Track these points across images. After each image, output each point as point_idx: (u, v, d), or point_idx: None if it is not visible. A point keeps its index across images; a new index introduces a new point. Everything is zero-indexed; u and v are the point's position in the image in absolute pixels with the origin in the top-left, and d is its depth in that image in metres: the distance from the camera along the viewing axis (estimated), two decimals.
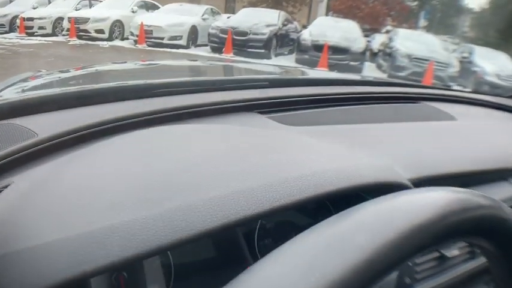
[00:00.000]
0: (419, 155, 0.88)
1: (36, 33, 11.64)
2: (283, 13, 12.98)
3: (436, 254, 0.77)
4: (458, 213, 0.35)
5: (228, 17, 12.67)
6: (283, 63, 9.39)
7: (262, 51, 10.75)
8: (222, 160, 0.65)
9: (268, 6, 17.47)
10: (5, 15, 12.21)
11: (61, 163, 0.64)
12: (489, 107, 1.39)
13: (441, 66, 9.88)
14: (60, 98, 0.84)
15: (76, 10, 12.61)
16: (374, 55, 12.02)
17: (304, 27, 13.04)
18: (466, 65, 10.86)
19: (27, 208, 0.52)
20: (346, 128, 0.96)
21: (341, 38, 10.43)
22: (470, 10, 34.07)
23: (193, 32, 11.76)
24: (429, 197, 0.37)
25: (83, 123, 0.72)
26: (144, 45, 11.00)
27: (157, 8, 13.31)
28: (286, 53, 12.07)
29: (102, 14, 11.83)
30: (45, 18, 12.02)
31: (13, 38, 11.02)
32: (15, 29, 11.87)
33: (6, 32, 11.81)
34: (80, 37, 11.36)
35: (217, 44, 11.01)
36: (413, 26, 23.96)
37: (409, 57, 10.25)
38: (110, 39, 11.56)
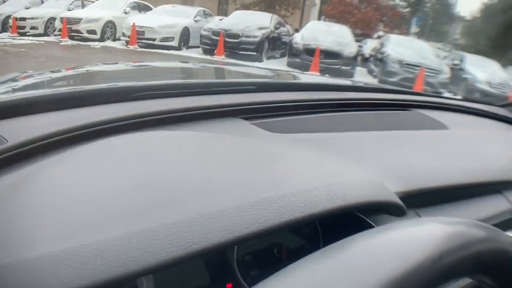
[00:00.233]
0: (411, 167, 0.85)
1: (28, 33, 11.56)
2: (275, 16, 13.02)
3: None
4: (454, 252, 0.32)
5: (221, 19, 12.67)
6: (274, 66, 9.39)
7: (254, 53, 10.76)
8: (197, 176, 0.60)
9: (261, 9, 17.54)
10: None
11: (31, 172, 0.59)
12: (481, 116, 1.37)
13: (432, 73, 9.95)
14: (36, 101, 0.78)
15: (69, 10, 12.55)
16: (365, 60, 12.09)
17: (297, 30, 13.06)
18: (457, 72, 10.96)
19: None
20: (334, 136, 0.92)
21: (333, 43, 10.46)
22: (462, 18, 34.57)
23: (185, 33, 11.75)
24: (422, 234, 0.34)
25: (58, 128, 0.67)
26: (136, 46, 10.96)
27: (150, 9, 13.31)
28: (278, 56, 12.11)
29: (95, 14, 11.80)
30: (37, 18, 11.96)
31: (5, 38, 10.93)
32: (8, 29, 11.78)
33: None
34: (71, 37, 11.31)
35: (209, 46, 11.00)
36: (405, 32, 24.17)
37: (400, 63, 10.32)
38: (101, 39, 11.51)
